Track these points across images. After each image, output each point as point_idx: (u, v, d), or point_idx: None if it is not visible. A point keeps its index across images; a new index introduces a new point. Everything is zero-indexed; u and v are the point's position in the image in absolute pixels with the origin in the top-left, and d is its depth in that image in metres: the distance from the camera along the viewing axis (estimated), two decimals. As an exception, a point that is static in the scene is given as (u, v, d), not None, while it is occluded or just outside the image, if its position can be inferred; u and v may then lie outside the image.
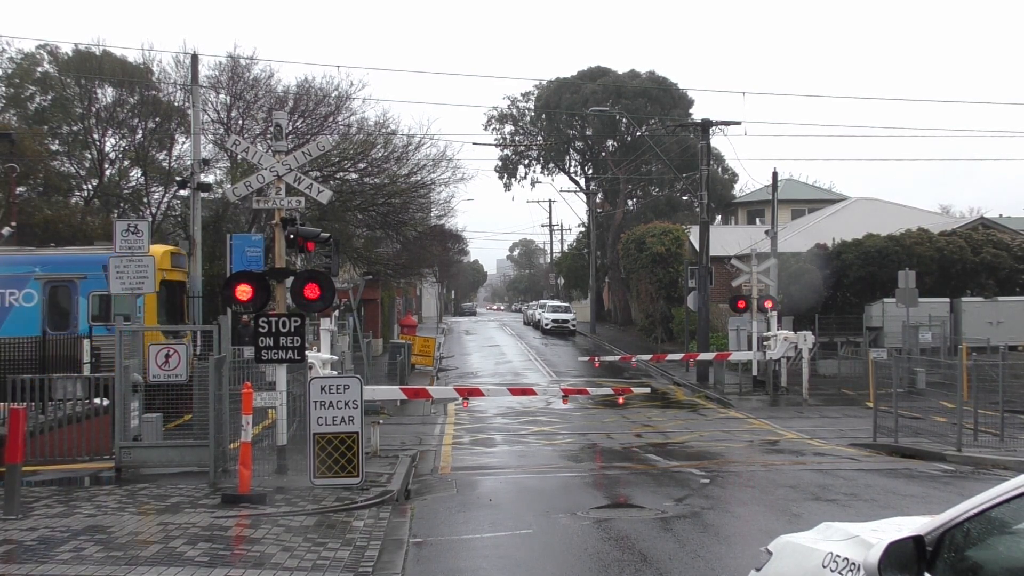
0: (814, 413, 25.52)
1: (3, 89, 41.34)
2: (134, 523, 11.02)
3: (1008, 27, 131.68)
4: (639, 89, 65.56)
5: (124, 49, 73.39)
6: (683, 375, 35.14)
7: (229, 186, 30.88)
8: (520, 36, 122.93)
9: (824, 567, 4.69)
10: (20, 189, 35.14)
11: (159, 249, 22.85)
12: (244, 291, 13.88)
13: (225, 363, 13.96)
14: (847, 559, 4.54)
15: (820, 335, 31.86)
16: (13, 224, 30.27)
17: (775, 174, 38.22)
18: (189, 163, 32.32)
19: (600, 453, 18.49)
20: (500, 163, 73.58)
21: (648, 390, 23.90)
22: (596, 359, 33.75)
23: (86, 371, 17.79)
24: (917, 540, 4.13)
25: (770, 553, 5.35)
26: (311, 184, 15.25)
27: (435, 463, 17.10)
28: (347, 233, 41.77)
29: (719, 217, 70.71)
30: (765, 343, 28.51)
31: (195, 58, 31.72)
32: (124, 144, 42.21)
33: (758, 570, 5.39)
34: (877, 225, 38.76)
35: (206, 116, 38.79)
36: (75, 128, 41.44)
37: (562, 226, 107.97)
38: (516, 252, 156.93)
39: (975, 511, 4.12)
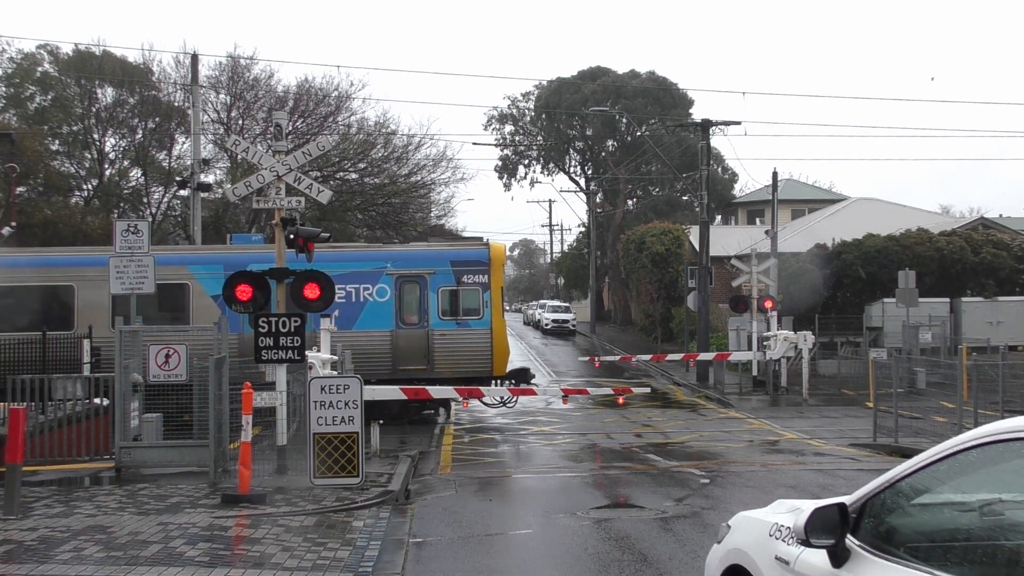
0: (814, 413, 25.52)
1: (3, 89, 41.34)
2: (134, 523, 11.01)
3: (1008, 27, 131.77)
4: (639, 89, 65.55)
5: (124, 49, 73.43)
6: (683, 375, 35.15)
7: (229, 186, 30.90)
8: (520, 36, 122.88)
9: (770, 536, 5.30)
10: (20, 189, 35.13)
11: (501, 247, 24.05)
12: (244, 291, 13.90)
13: (225, 363, 13.96)
14: (788, 527, 5.10)
15: (820, 335, 31.87)
16: (13, 224, 30.27)
17: (775, 174, 38.23)
18: (189, 163, 32.36)
19: (600, 453, 18.50)
20: (500, 163, 73.59)
21: (648, 390, 23.89)
22: (596, 359, 33.75)
23: (86, 371, 17.78)
24: (840, 507, 4.61)
25: (729, 527, 5.96)
26: (311, 184, 15.26)
27: (435, 463, 17.10)
28: (347, 233, 41.80)
29: (719, 217, 70.71)
30: (765, 343, 28.51)
31: (195, 58, 31.76)
32: (124, 144, 42.27)
33: (719, 543, 5.99)
34: (877, 225, 38.76)
35: (206, 116, 38.82)
36: (75, 128, 41.47)
37: (562, 226, 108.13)
38: (516, 252, 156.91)
39: (889, 482, 4.63)
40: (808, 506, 4.92)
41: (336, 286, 21.73)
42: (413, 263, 23.02)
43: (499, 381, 22.89)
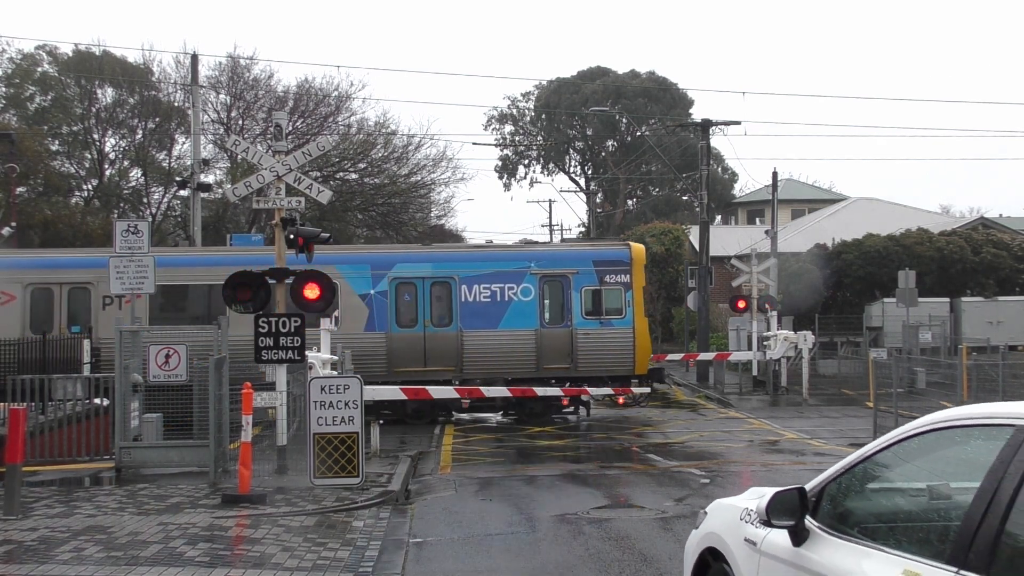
0: (814, 413, 25.52)
1: (3, 89, 41.33)
2: (134, 523, 11.01)
3: (1008, 27, 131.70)
4: (639, 89, 65.58)
5: (124, 49, 73.44)
6: (683, 375, 35.14)
7: (229, 186, 30.90)
8: (520, 36, 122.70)
9: (741, 520, 5.74)
10: (20, 189, 35.13)
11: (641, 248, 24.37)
12: (244, 291, 13.90)
13: (225, 363, 13.96)
14: (755, 511, 5.53)
15: (820, 335, 31.87)
16: (13, 224, 30.29)
17: (775, 174, 38.25)
18: (189, 163, 32.37)
19: (600, 453, 18.49)
20: (500, 163, 73.62)
21: (648, 390, 23.86)
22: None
23: (86, 371, 17.77)
24: (800, 491, 5.08)
25: (706, 513, 6.46)
26: (311, 184, 15.26)
27: (435, 463, 17.09)
28: (347, 233, 41.83)
29: (719, 217, 70.72)
30: (765, 343, 28.50)
31: (195, 58, 31.76)
32: (124, 144, 42.27)
33: (697, 528, 6.46)
34: (877, 225, 38.76)
35: (206, 116, 38.83)
36: (75, 128, 41.46)
37: (562, 226, 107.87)
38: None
39: (845, 468, 5.10)
40: (773, 492, 5.31)
41: (481, 285, 22.61)
42: (556, 263, 23.29)
43: (640, 380, 23.36)
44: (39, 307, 21.54)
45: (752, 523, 5.55)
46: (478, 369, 22.55)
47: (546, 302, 22.91)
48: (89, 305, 21.61)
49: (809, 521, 5.05)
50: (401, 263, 22.86)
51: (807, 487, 5.21)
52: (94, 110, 41.01)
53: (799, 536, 5.03)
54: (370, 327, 22.15)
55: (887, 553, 4.40)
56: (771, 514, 5.12)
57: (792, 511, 5.04)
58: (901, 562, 4.26)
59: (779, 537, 5.18)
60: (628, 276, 23.12)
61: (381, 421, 18.28)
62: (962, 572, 3.90)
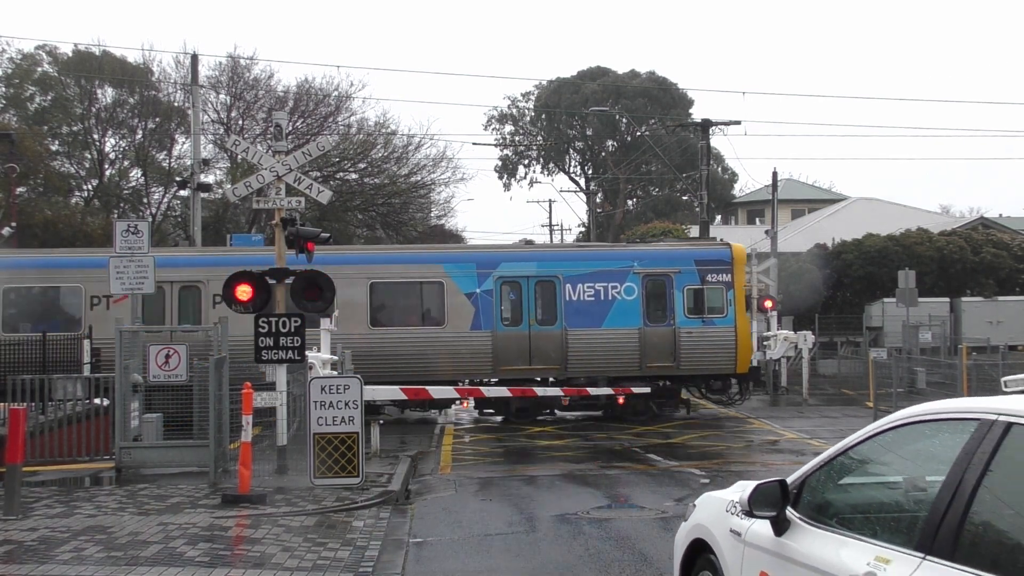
0: (814, 413, 25.52)
1: (3, 89, 41.31)
2: (134, 523, 11.01)
3: (1008, 27, 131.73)
4: (639, 89, 65.57)
5: (124, 49, 73.46)
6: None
7: (229, 186, 30.91)
8: (520, 36, 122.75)
9: (727, 512, 5.95)
10: (20, 189, 35.13)
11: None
12: (244, 291, 13.90)
13: (225, 363, 13.96)
14: (738, 503, 5.74)
15: (820, 335, 31.90)
16: (13, 224, 30.28)
17: (775, 174, 38.25)
18: (189, 163, 32.36)
19: (600, 453, 18.49)
20: (500, 163, 73.56)
21: (648, 390, 23.87)
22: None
23: (86, 371, 17.77)
24: (781, 483, 5.31)
25: (695, 506, 6.67)
26: (311, 184, 15.26)
27: (435, 463, 17.09)
28: (347, 233, 41.82)
29: (719, 217, 70.72)
30: (765, 343, 28.50)
31: (195, 58, 31.76)
32: (124, 144, 42.25)
33: (686, 520, 6.69)
34: (877, 225, 38.78)
35: (206, 116, 38.83)
36: (75, 128, 41.45)
37: (562, 226, 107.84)
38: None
39: (824, 462, 5.34)
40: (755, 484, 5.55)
41: (585, 284, 22.90)
42: (659, 262, 23.51)
43: (739, 379, 23.87)
44: (151, 304, 21.58)
45: (737, 515, 5.75)
46: (582, 368, 22.82)
47: (649, 301, 23.15)
48: (200, 303, 21.93)
49: (790, 512, 5.26)
50: (506, 262, 23.16)
51: (788, 480, 5.43)
52: (94, 110, 41.00)
53: (780, 526, 5.25)
54: (476, 326, 22.45)
55: (862, 541, 4.62)
56: (753, 505, 5.33)
57: (774, 503, 5.26)
58: (874, 549, 4.46)
59: (762, 528, 5.39)
60: (729, 275, 23.41)
61: (380, 421, 18.27)
62: (928, 557, 4.11)
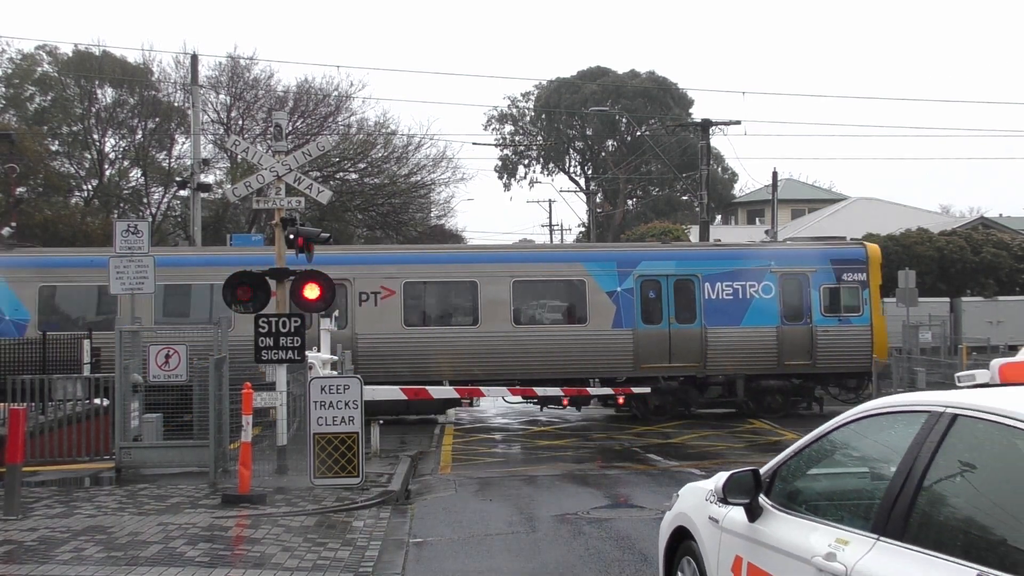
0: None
1: (3, 90, 41.31)
2: (134, 523, 11.01)
3: (1008, 27, 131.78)
4: (639, 89, 65.59)
5: (124, 49, 73.45)
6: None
7: (229, 186, 30.91)
8: (520, 36, 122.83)
9: (706, 500, 6.28)
10: (20, 189, 35.15)
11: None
12: (244, 291, 13.89)
13: (225, 363, 13.95)
14: (713, 491, 6.15)
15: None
16: (13, 224, 30.29)
17: (775, 174, 38.28)
18: (189, 163, 32.35)
19: (600, 453, 18.49)
20: (500, 163, 73.60)
21: (648, 390, 23.85)
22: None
23: (86, 371, 17.76)
24: (754, 472, 5.65)
25: (679, 496, 7.00)
26: (311, 184, 15.25)
27: (435, 463, 17.09)
28: (347, 233, 41.82)
29: (719, 217, 70.74)
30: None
31: (195, 58, 31.76)
32: (124, 144, 42.25)
33: (670, 510, 7.04)
34: (877, 225, 38.77)
35: (206, 116, 38.83)
36: (75, 128, 41.46)
37: (562, 226, 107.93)
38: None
39: (795, 452, 5.68)
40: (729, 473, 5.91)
41: (723, 283, 23.20)
42: (795, 261, 23.78)
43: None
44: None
45: (715, 503, 6.08)
46: (721, 366, 23.02)
47: (786, 300, 23.38)
48: (346, 301, 22.15)
49: (763, 499, 5.60)
50: (646, 261, 23.40)
51: (761, 470, 5.77)
52: (94, 110, 41.01)
53: (753, 513, 5.58)
54: (617, 324, 22.69)
55: (826, 525, 4.97)
56: (727, 492, 5.69)
57: (747, 490, 5.61)
58: (836, 532, 4.81)
59: (738, 515, 5.73)
60: (864, 274, 23.66)
61: (382, 421, 18.26)
62: (882, 539, 4.46)
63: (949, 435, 4.43)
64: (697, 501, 6.45)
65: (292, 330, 13.72)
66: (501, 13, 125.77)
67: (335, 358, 17.16)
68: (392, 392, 20.52)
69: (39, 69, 41.29)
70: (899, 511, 4.44)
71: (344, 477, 13.06)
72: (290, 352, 13.75)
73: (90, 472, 14.82)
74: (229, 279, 14.13)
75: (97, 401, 16.13)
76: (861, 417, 5.26)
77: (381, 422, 17.68)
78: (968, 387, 5.02)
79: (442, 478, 15.44)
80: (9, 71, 40.87)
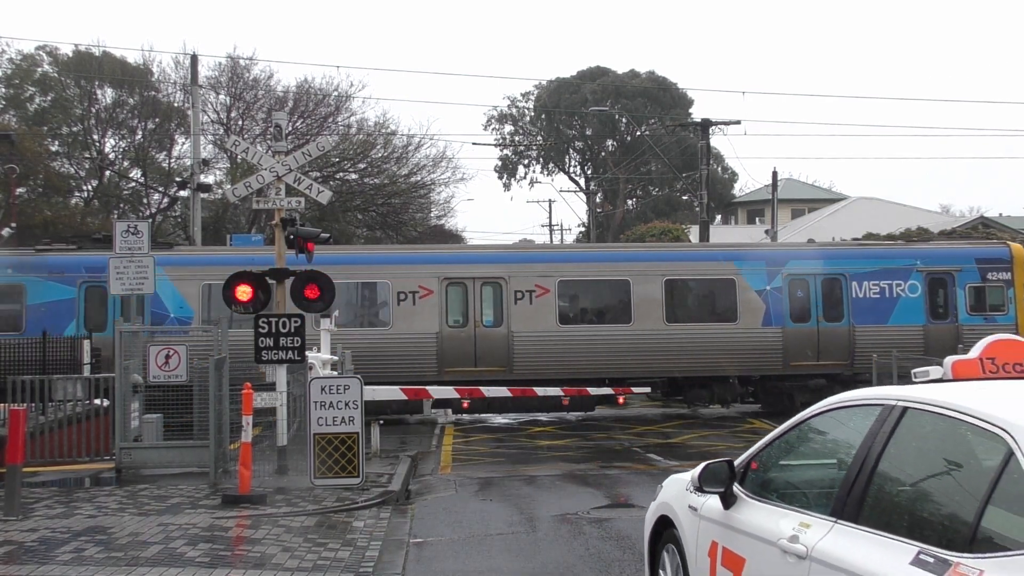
0: (814, 413, 25.48)
1: (3, 90, 41.31)
2: (134, 524, 11.01)
3: (1008, 27, 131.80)
4: (639, 89, 65.58)
5: (124, 50, 73.42)
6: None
7: (229, 187, 30.91)
8: (520, 36, 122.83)
9: (687, 490, 6.59)
10: (20, 190, 35.15)
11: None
12: (244, 291, 13.89)
13: (225, 363, 13.95)
14: (690, 480, 6.52)
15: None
16: (13, 225, 30.29)
17: (775, 174, 38.30)
18: (189, 164, 32.36)
19: (600, 453, 18.48)
20: (500, 163, 73.57)
21: (648, 390, 23.85)
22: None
23: (86, 372, 17.77)
24: (729, 463, 6.02)
25: (663, 487, 7.33)
26: (311, 184, 15.25)
27: (435, 463, 17.09)
28: (347, 233, 41.81)
29: (719, 217, 70.73)
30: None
31: (195, 59, 31.78)
32: (124, 145, 42.25)
33: (655, 500, 7.36)
34: (877, 224, 38.79)
35: (206, 117, 38.83)
36: (75, 129, 41.45)
37: (562, 226, 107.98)
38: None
39: (766, 444, 6.06)
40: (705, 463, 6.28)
41: (870, 282, 23.40)
42: (941, 260, 23.91)
43: None
44: (454, 301, 22.43)
45: (694, 492, 6.41)
46: (868, 364, 23.12)
47: (932, 299, 23.56)
48: (502, 299, 22.44)
49: (738, 488, 5.95)
50: (794, 260, 23.65)
51: (736, 461, 6.12)
52: (94, 111, 41.01)
53: (728, 501, 5.93)
54: (767, 322, 22.95)
55: (792, 511, 5.33)
56: (702, 482, 6.08)
57: (721, 480, 5.97)
58: (800, 517, 5.18)
59: (715, 503, 6.06)
60: (1009, 274, 23.82)
61: (382, 421, 18.26)
62: (839, 521, 4.83)
63: (899, 426, 4.81)
64: (678, 491, 6.77)
65: (292, 330, 13.72)
66: (501, 13, 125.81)
67: (335, 358, 17.14)
68: (392, 392, 20.53)
69: (39, 69, 41.29)
70: (855, 496, 4.81)
71: (344, 477, 13.06)
72: (290, 352, 13.75)
73: (90, 472, 14.82)
74: (229, 279, 14.12)
75: (97, 401, 16.13)
76: (826, 410, 5.61)
77: (381, 422, 17.68)
78: (923, 382, 5.37)
79: (442, 478, 15.43)
80: (9, 71, 40.88)
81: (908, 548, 4.26)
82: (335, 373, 16.22)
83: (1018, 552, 3.76)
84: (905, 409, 4.84)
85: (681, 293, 23.39)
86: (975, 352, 5.63)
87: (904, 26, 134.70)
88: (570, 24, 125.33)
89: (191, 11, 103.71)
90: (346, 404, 13.06)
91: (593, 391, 23.10)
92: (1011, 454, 4.01)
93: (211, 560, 9.41)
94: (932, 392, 4.85)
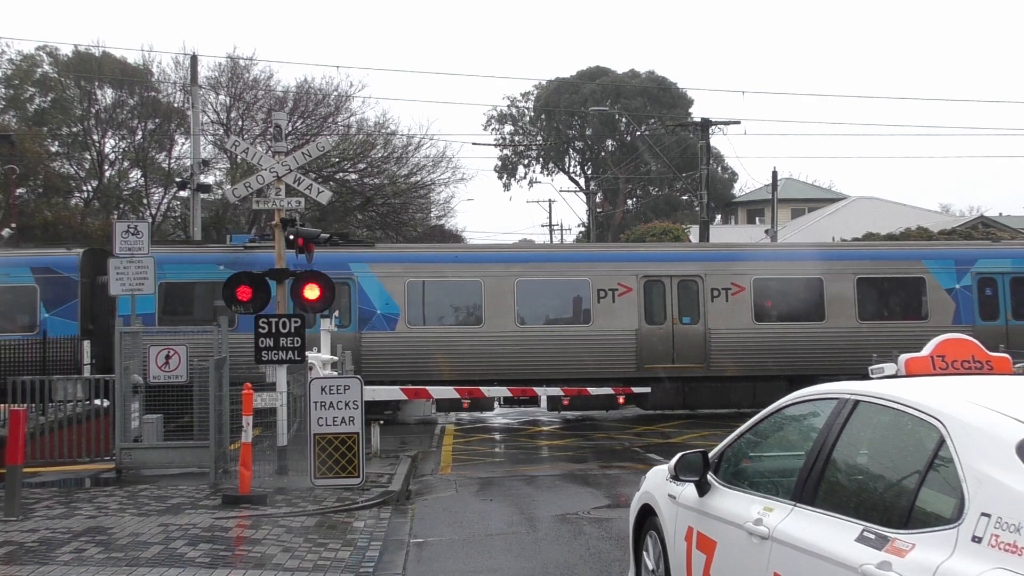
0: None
1: (2, 91, 41.30)
2: (135, 524, 11.01)
3: (1008, 27, 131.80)
4: (639, 89, 65.58)
5: (124, 50, 73.39)
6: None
7: (229, 187, 30.90)
8: (520, 36, 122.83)
9: (667, 480, 6.98)
10: (20, 191, 35.15)
11: None
12: (244, 291, 13.88)
13: (225, 363, 13.95)
14: (668, 469, 6.93)
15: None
16: (13, 225, 30.29)
17: (775, 173, 38.30)
18: (189, 164, 32.35)
19: (600, 453, 18.48)
20: (500, 163, 73.55)
21: (648, 390, 23.84)
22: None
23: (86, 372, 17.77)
24: (703, 454, 6.50)
25: (646, 478, 7.75)
26: (311, 185, 15.25)
27: (435, 463, 17.09)
28: (347, 233, 41.72)
29: (719, 217, 70.72)
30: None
31: (194, 59, 31.78)
32: (124, 145, 42.23)
33: (639, 490, 7.75)
34: (877, 224, 38.78)
35: (206, 117, 38.82)
36: (75, 129, 41.44)
37: (562, 226, 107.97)
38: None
39: (737, 436, 6.51)
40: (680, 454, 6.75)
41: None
42: None
43: None
44: (652, 298, 22.78)
45: (673, 482, 6.84)
46: None
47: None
48: (698, 297, 22.76)
49: (712, 477, 6.41)
50: (982, 259, 23.94)
51: (711, 452, 6.59)
52: (94, 111, 40.99)
53: (702, 489, 6.39)
54: (956, 320, 23.09)
55: (759, 497, 5.78)
56: (677, 471, 6.59)
57: (695, 470, 6.45)
58: (765, 502, 5.63)
59: (691, 491, 6.52)
60: None
61: (380, 421, 18.26)
62: (798, 505, 5.28)
63: (852, 418, 5.27)
64: (659, 481, 7.21)
65: (292, 330, 13.71)
66: (501, 13, 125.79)
67: (335, 358, 17.14)
68: (392, 392, 20.53)
69: (39, 70, 41.26)
70: (811, 482, 5.28)
71: (344, 477, 13.06)
72: (290, 352, 13.74)
73: (90, 473, 14.82)
74: (229, 279, 14.11)
75: (97, 402, 16.13)
76: (792, 404, 6.09)
77: (381, 422, 17.68)
78: (879, 378, 5.83)
79: (443, 478, 15.43)
80: (9, 72, 40.86)
81: (855, 527, 4.69)
82: (335, 373, 16.22)
83: (943, 527, 4.19)
84: (857, 402, 5.29)
85: (873, 291, 23.70)
86: (927, 350, 6.15)
87: (904, 26, 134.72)
88: (570, 24, 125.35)
89: (191, 11, 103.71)
90: (346, 404, 13.06)
91: (593, 391, 23.09)
92: (942, 441, 4.44)
93: (211, 560, 9.41)
94: (881, 387, 5.28)
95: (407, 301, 22.12)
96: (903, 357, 6.04)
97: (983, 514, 4.04)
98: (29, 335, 20.07)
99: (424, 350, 21.84)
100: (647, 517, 7.50)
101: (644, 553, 7.55)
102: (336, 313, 19.81)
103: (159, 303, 20.80)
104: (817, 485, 5.24)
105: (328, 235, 15.49)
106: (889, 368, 6.02)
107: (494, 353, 22.04)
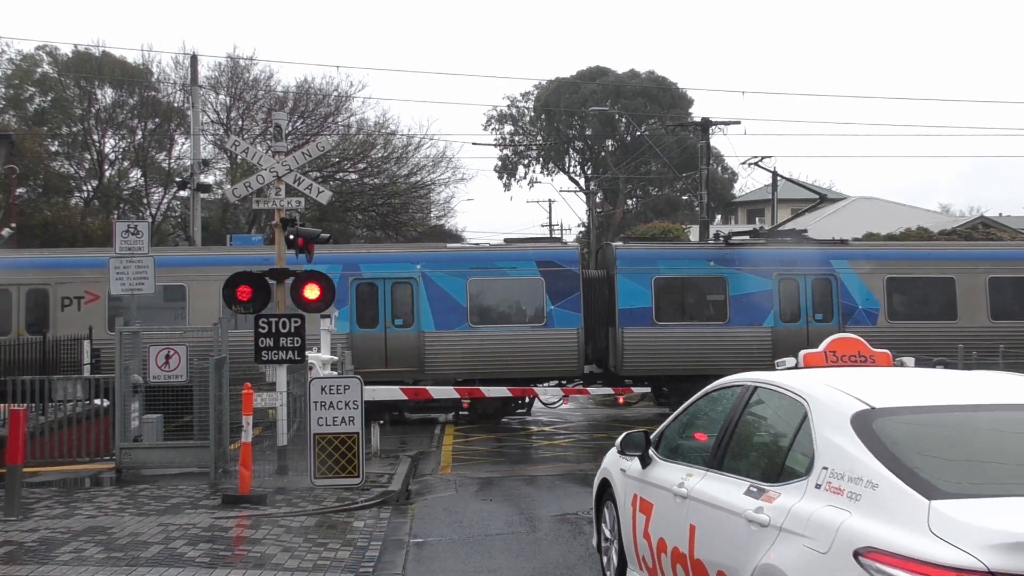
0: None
1: (2, 90, 41.28)
2: (135, 524, 11.02)
3: (1008, 27, 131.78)
4: (639, 89, 65.53)
5: (124, 50, 73.34)
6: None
7: (229, 187, 30.92)
8: (520, 36, 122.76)
9: (616, 454, 8.20)
10: (20, 190, 35.13)
11: None
12: (244, 291, 13.87)
13: (225, 363, 13.95)
14: (616, 446, 8.14)
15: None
16: (13, 225, 30.26)
17: (775, 173, 38.20)
18: (189, 164, 32.34)
19: (601, 452, 18.46)
20: (500, 163, 73.46)
21: (648, 389, 23.85)
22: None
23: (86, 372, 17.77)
24: (645, 433, 7.70)
25: (606, 456, 8.84)
26: (311, 184, 15.24)
27: (435, 463, 17.09)
28: (347, 233, 41.81)
29: (719, 216, 70.66)
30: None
31: (194, 59, 31.78)
32: (124, 145, 42.21)
33: (600, 467, 8.98)
34: (877, 224, 38.75)
35: (206, 117, 38.83)
36: (75, 129, 41.42)
37: (562, 226, 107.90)
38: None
39: (675, 417, 7.72)
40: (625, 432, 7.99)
41: None
42: None
43: None
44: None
45: (622, 457, 7.97)
46: None
47: None
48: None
49: (652, 452, 7.55)
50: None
51: (653, 433, 7.74)
52: (94, 111, 40.98)
53: (645, 463, 7.55)
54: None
55: (686, 466, 6.92)
56: (622, 447, 7.80)
57: (638, 446, 7.61)
58: (688, 470, 6.81)
59: (636, 465, 7.69)
60: None
61: (381, 421, 18.26)
62: (710, 471, 6.51)
63: (751, 400, 6.56)
64: (616, 458, 8.28)
65: (292, 330, 13.71)
66: (501, 13, 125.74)
67: (335, 358, 17.14)
68: (392, 392, 20.55)
69: (39, 70, 41.24)
70: (720, 451, 6.54)
71: (344, 477, 13.06)
72: (290, 352, 13.74)
73: (90, 473, 14.83)
74: (229, 279, 14.10)
75: (97, 402, 16.14)
76: (715, 389, 7.26)
77: (381, 422, 17.68)
78: (781, 370, 7.08)
79: (442, 478, 15.43)
80: (9, 72, 40.84)
81: (745, 483, 5.96)
82: (335, 373, 16.23)
83: (799, 479, 5.47)
84: (755, 388, 6.60)
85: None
86: (822, 346, 7.58)
87: (904, 26, 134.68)
88: (570, 24, 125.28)
89: (191, 11, 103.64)
90: (346, 404, 13.07)
91: (593, 391, 23.11)
92: (805, 415, 5.73)
93: (211, 560, 9.42)
94: (774, 376, 6.62)
95: (886, 297, 23.23)
96: (802, 352, 7.53)
97: (823, 467, 5.30)
98: (537, 327, 22.36)
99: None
100: (605, 490, 8.69)
101: (603, 523, 8.77)
102: (336, 313, 19.79)
103: (653, 298, 22.55)
104: (724, 454, 6.49)
105: (328, 235, 15.44)
106: (789, 361, 7.50)
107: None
